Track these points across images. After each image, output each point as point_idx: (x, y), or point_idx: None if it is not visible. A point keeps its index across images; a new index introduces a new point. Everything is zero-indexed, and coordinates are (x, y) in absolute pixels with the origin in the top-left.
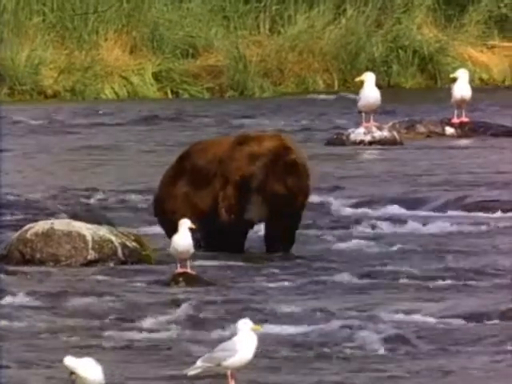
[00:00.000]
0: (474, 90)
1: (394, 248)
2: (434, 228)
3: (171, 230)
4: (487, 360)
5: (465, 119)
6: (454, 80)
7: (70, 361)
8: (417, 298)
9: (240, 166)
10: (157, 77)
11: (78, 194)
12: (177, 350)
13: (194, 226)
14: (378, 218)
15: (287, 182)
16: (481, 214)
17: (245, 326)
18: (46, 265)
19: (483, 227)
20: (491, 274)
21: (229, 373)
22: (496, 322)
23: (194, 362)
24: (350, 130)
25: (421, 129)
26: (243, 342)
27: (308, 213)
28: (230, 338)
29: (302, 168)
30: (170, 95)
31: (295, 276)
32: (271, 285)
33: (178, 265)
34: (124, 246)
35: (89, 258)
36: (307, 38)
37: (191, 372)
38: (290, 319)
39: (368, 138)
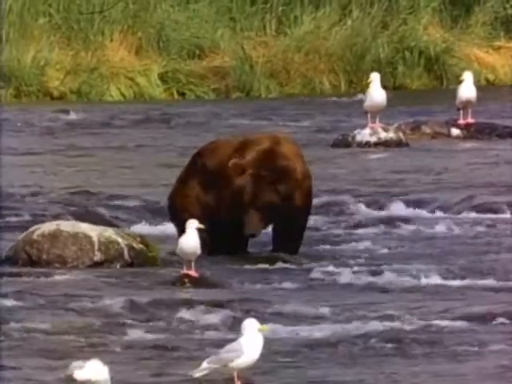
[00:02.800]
0: (480, 90)
1: (399, 249)
2: (439, 229)
3: (182, 228)
4: (490, 362)
5: (470, 120)
6: (460, 81)
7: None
8: (421, 299)
9: (231, 178)
10: (163, 78)
11: (84, 195)
12: (183, 351)
13: (202, 226)
14: (384, 219)
15: (278, 190)
16: (486, 215)
17: (251, 326)
18: (52, 266)
19: (489, 228)
20: (496, 275)
21: (235, 374)
22: (499, 322)
23: (200, 364)
24: (355, 131)
25: (426, 130)
26: (250, 342)
27: (313, 213)
28: (236, 338)
29: (293, 173)
30: (175, 96)
31: (301, 277)
32: (276, 285)
33: (184, 266)
34: (130, 247)
35: (95, 259)
36: (313, 39)
37: (197, 374)
38: (296, 320)
39: (374, 139)
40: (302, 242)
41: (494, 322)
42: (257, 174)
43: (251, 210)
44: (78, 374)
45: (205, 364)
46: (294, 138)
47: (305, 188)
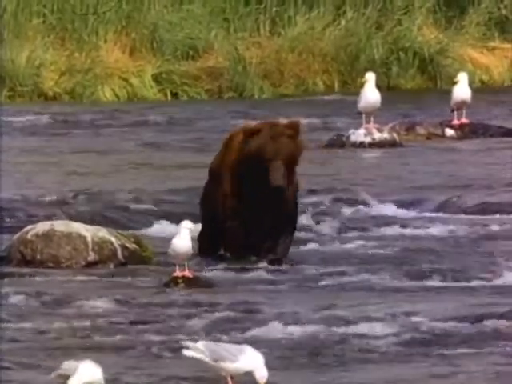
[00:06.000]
0: (474, 91)
1: (393, 250)
2: (433, 230)
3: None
4: (487, 361)
5: (465, 121)
6: (455, 82)
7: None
8: (417, 300)
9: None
10: (156, 78)
11: (78, 195)
12: (176, 351)
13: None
14: (378, 220)
15: (295, 143)
16: (480, 215)
17: (259, 363)
18: (46, 266)
19: (483, 229)
20: (492, 276)
21: (228, 374)
22: (496, 323)
23: (194, 363)
24: (349, 132)
25: (421, 130)
26: (249, 355)
27: (307, 214)
28: (234, 341)
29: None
30: (169, 97)
31: (295, 278)
32: (271, 287)
33: (177, 267)
34: (124, 247)
35: (89, 259)
36: (307, 40)
37: (189, 352)
38: (290, 321)
39: (368, 139)
40: (291, 241)
41: (490, 323)
42: (273, 132)
43: (275, 164)
44: (73, 382)
45: (200, 345)
46: None
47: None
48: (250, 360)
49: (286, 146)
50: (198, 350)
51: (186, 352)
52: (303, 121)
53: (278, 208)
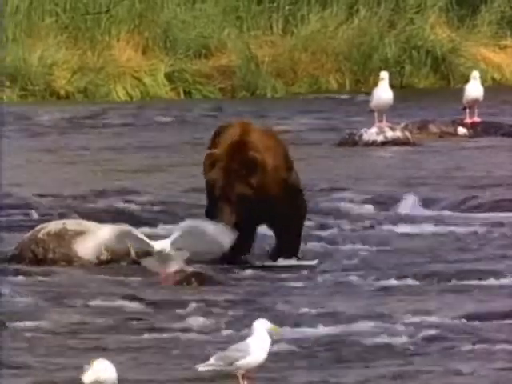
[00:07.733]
0: (487, 90)
1: (403, 248)
2: (445, 227)
3: None
4: (491, 362)
5: (477, 119)
6: (467, 80)
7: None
8: (423, 299)
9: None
10: (169, 77)
11: (91, 194)
12: (188, 350)
13: None
14: (390, 218)
15: (248, 182)
16: (492, 213)
17: (261, 326)
18: (58, 264)
19: (494, 227)
20: (501, 274)
21: (240, 374)
22: (500, 322)
23: (207, 359)
24: (362, 130)
25: (433, 129)
26: (257, 343)
27: (318, 213)
28: (243, 337)
29: (261, 164)
30: (182, 95)
31: (305, 277)
32: (281, 285)
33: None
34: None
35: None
36: (320, 39)
37: (203, 368)
38: (300, 320)
39: (380, 138)
40: (300, 240)
41: (498, 322)
42: (227, 167)
43: (221, 203)
44: (86, 378)
45: (212, 360)
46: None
47: (278, 179)
48: (257, 343)
49: (237, 187)
50: (210, 364)
51: (201, 369)
52: (316, 120)
53: (273, 211)
